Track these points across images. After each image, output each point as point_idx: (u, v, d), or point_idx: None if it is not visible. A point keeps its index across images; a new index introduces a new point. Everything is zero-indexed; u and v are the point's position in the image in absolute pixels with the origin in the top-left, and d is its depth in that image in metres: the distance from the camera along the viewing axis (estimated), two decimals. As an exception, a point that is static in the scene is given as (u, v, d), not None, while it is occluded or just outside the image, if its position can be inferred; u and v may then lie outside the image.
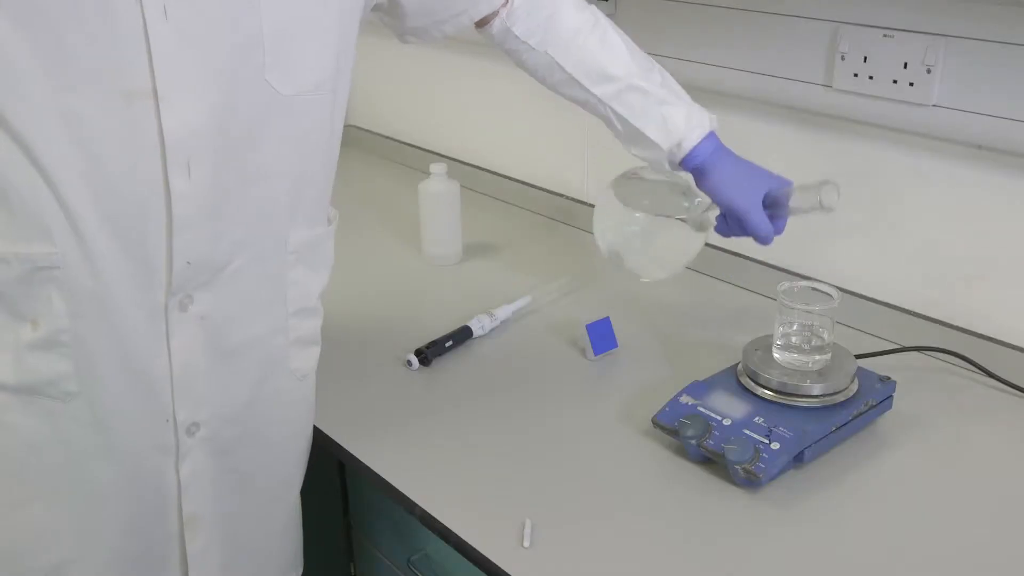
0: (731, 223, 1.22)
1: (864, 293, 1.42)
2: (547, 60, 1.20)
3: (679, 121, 1.20)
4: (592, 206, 1.75)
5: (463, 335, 1.38)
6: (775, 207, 1.20)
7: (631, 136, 1.22)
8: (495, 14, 1.19)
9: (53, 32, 0.84)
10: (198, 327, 0.99)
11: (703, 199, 1.27)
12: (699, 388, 1.16)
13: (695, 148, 1.20)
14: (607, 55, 1.20)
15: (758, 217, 1.19)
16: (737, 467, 1.05)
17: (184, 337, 0.98)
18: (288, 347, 1.08)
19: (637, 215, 1.37)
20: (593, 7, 1.23)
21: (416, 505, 1.06)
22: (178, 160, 0.90)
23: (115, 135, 0.88)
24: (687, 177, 1.27)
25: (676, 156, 1.21)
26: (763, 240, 1.20)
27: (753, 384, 1.15)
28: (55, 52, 0.84)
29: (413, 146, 2.14)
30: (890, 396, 1.18)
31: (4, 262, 0.91)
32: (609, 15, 1.60)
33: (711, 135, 1.21)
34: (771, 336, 1.19)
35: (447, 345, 1.35)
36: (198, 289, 0.97)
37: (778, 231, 1.22)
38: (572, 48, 1.19)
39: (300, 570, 1.23)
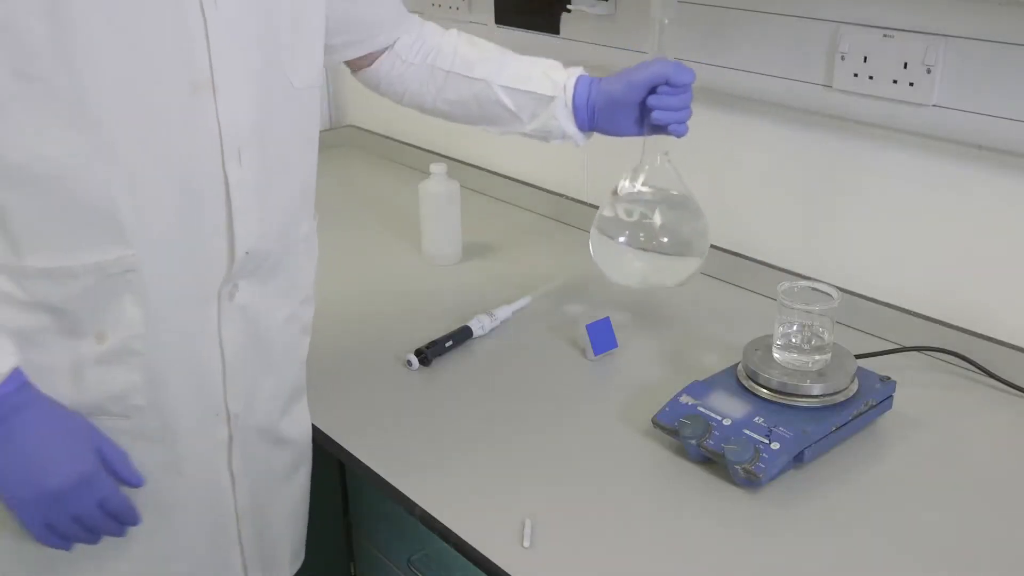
0: (650, 98, 1.19)
1: (864, 293, 1.42)
2: (427, 70, 1.24)
3: (558, 69, 1.23)
4: (593, 206, 1.76)
5: (463, 335, 1.38)
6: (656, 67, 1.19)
7: (522, 105, 1.22)
8: (384, 50, 1.24)
9: (134, 27, 0.85)
10: (240, 316, 1.01)
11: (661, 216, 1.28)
12: (699, 388, 1.16)
13: (578, 81, 1.21)
14: (475, 48, 1.25)
15: (663, 63, 1.18)
16: (737, 467, 1.05)
17: (231, 327, 1.00)
18: (297, 334, 1.12)
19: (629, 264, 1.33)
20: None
21: (416, 505, 1.06)
22: (232, 149, 0.93)
23: (183, 127, 0.90)
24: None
25: (567, 98, 1.21)
26: (687, 76, 1.18)
27: (753, 384, 1.15)
28: (136, 47, 0.85)
29: (413, 146, 2.14)
30: (890, 396, 1.18)
31: (69, 276, 0.89)
32: (609, 15, 1.60)
33: (584, 75, 1.23)
34: (771, 336, 1.19)
35: (447, 345, 1.35)
36: (243, 278, 0.99)
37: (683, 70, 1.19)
38: (445, 49, 1.24)
39: (300, 561, 1.23)
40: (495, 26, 1.81)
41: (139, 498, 0.97)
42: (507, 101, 1.22)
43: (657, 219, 1.28)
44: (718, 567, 0.97)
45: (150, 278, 0.92)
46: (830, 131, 1.41)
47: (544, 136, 1.24)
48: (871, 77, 1.30)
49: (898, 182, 1.36)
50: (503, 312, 1.44)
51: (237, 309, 1.00)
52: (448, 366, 1.34)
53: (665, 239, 1.29)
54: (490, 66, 1.22)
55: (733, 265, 1.56)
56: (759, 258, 1.54)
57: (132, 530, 0.97)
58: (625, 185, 1.30)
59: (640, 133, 1.23)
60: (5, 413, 0.85)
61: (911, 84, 1.27)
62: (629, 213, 1.29)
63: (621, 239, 1.29)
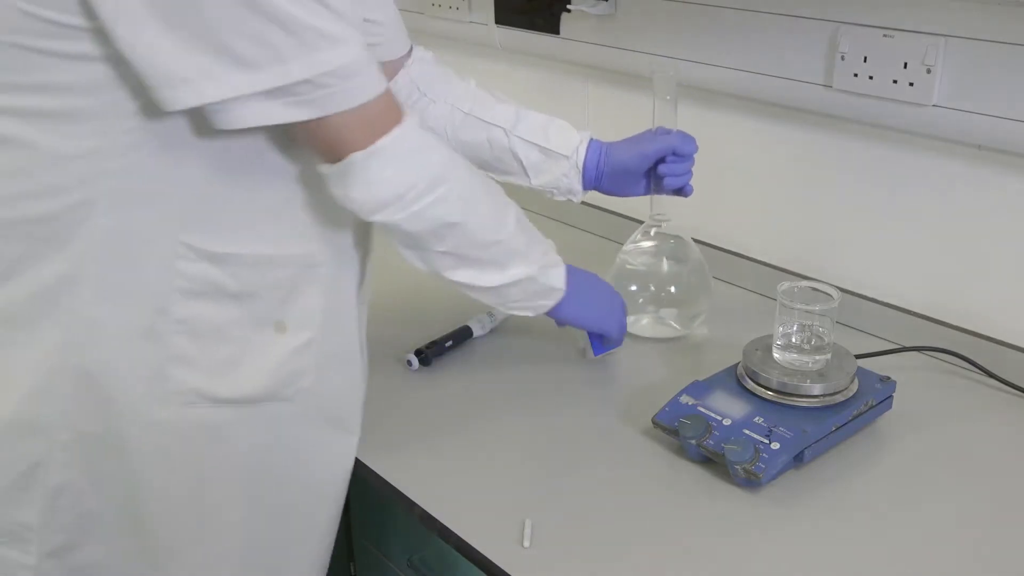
0: (660, 167, 1.28)
1: (864, 293, 1.42)
2: (446, 108, 1.28)
3: (570, 130, 1.29)
4: (594, 206, 1.76)
5: (463, 335, 1.38)
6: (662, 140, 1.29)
7: (533, 160, 1.28)
8: (398, 66, 1.26)
9: None
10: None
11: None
12: (699, 388, 1.16)
13: (589, 145, 1.28)
14: (492, 96, 1.30)
15: (668, 136, 1.28)
16: (737, 467, 1.05)
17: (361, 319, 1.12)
18: None
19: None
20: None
21: (416, 505, 1.06)
22: None
23: None
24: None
25: (578, 159, 1.28)
26: (692, 146, 1.28)
27: (753, 384, 1.15)
28: None
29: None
30: (890, 396, 1.18)
31: (273, 264, 0.96)
32: (609, 15, 1.60)
33: (595, 140, 1.30)
34: (771, 336, 1.19)
35: (447, 345, 1.35)
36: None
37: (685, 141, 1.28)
38: (467, 95, 1.29)
39: None
40: (495, 26, 1.81)
41: (299, 491, 1.07)
42: (520, 152, 1.27)
43: (665, 274, 1.38)
44: (718, 567, 0.97)
45: (328, 273, 1.01)
46: (830, 131, 1.41)
47: (551, 192, 1.31)
48: (871, 77, 1.30)
49: (898, 182, 1.36)
50: (503, 312, 1.43)
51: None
52: (448, 366, 1.34)
53: (673, 291, 1.38)
54: (508, 115, 1.28)
55: (733, 265, 1.56)
56: (759, 258, 1.54)
57: (283, 523, 1.08)
58: (637, 241, 1.40)
59: (645, 194, 1.32)
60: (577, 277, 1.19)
61: (911, 84, 1.27)
62: (640, 266, 1.40)
63: (632, 288, 1.38)
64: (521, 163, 1.28)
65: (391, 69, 1.25)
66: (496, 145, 1.28)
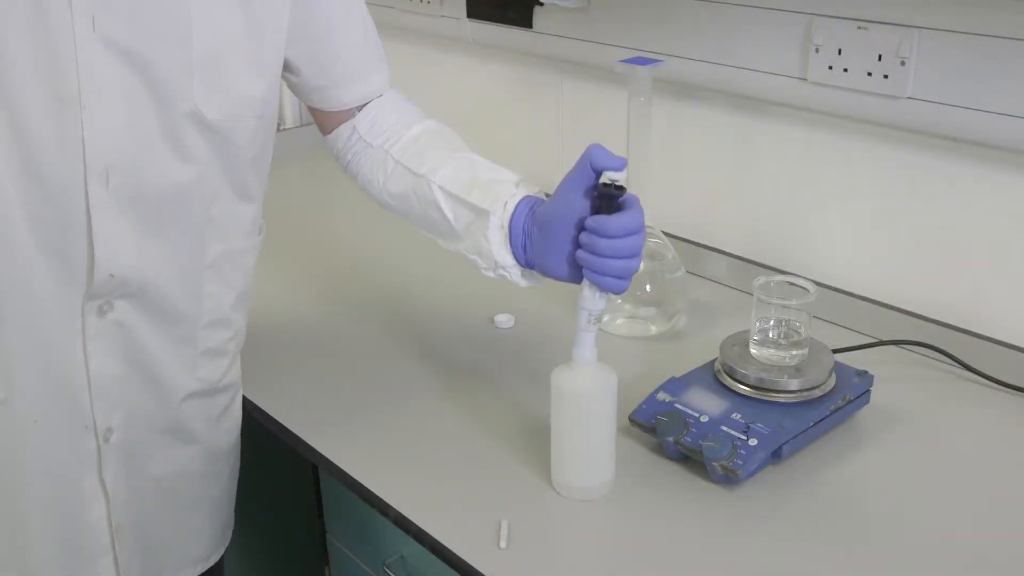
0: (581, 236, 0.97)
1: (841, 287, 1.41)
2: (381, 155, 1.11)
3: (507, 183, 1.03)
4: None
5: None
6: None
7: (459, 215, 1.04)
8: (343, 117, 1.13)
9: None
10: (116, 333, 0.99)
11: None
12: (676, 385, 1.15)
13: (522, 201, 1.02)
14: (435, 138, 1.11)
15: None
16: (715, 464, 1.05)
17: (100, 343, 0.99)
18: (195, 358, 1.08)
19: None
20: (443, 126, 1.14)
21: (391, 507, 1.05)
22: (98, 169, 0.91)
23: (48, 137, 0.89)
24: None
25: (505, 217, 1.01)
26: (615, 223, 0.94)
27: (730, 380, 1.14)
28: None
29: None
30: (868, 390, 1.17)
31: None
32: (581, 8, 1.59)
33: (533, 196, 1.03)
34: (748, 331, 1.18)
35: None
36: (119, 298, 0.98)
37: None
38: (404, 136, 1.11)
39: (226, 543, 1.23)
40: (467, 20, 1.79)
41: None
42: (444, 205, 1.05)
43: (641, 273, 1.32)
44: (697, 564, 0.96)
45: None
46: (805, 124, 1.41)
47: (475, 261, 1.05)
48: (845, 70, 1.30)
49: (872, 175, 1.36)
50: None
51: (111, 325, 0.99)
52: (436, 370, 1.32)
53: (649, 290, 1.37)
54: (437, 160, 1.06)
55: (709, 260, 1.55)
56: (735, 252, 1.53)
57: None
58: None
59: (572, 277, 1.00)
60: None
61: (885, 76, 1.26)
62: None
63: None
64: (446, 219, 1.05)
65: (332, 120, 1.14)
66: (421, 197, 1.07)
